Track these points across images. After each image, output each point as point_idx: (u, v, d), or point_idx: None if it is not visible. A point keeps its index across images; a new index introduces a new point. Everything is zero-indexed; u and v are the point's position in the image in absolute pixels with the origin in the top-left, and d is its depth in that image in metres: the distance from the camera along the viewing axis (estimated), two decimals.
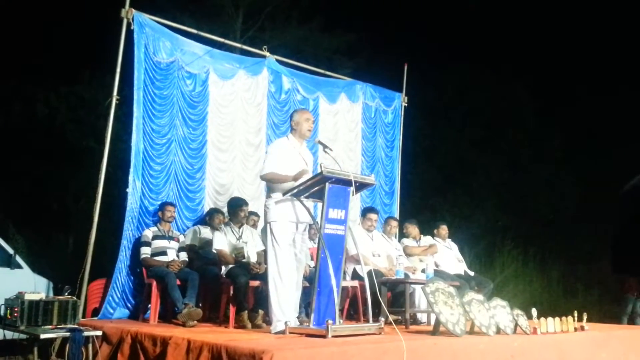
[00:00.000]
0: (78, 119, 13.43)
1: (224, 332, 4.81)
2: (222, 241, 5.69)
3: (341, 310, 5.79)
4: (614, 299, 10.62)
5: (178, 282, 5.45)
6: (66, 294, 5.32)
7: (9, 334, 5.13)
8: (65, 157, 13.07)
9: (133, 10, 5.99)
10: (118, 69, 5.88)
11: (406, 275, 6.13)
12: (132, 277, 5.95)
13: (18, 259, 6.57)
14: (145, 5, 6.30)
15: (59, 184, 13.27)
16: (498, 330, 4.77)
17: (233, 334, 4.60)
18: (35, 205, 13.21)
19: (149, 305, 5.59)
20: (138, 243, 5.88)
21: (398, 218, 7.90)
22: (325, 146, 4.74)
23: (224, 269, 5.56)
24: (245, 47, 8.10)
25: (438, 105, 17.29)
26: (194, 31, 6.87)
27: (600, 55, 17.67)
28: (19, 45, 13.53)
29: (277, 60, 7.47)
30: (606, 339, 5.45)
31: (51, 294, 6.35)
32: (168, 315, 5.64)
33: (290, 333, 4.25)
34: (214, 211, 6.37)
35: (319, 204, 4.52)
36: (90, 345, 4.72)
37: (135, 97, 6.08)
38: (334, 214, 4.43)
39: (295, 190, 4.43)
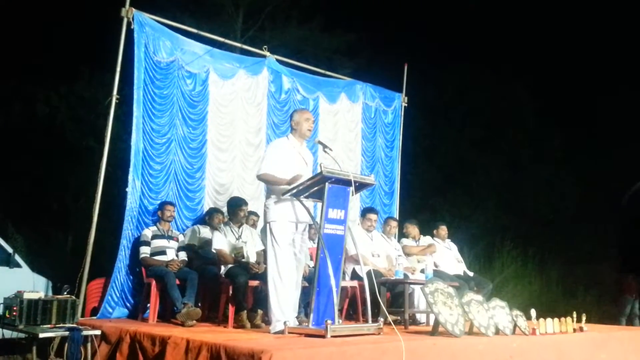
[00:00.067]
0: (78, 118, 13.43)
1: (223, 332, 4.81)
2: (221, 241, 5.69)
3: (340, 311, 5.78)
4: (612, 300, 10.62)
5: (177, 281, 5.45)
6: (65, 293, 5.32)
7: (8, 333, 5.12)
8: (64, 156, 13.06)
9: (133, 9, 5.99)
10: (118, 68, 5.88)
11: (405, 275, 6.13)
12: (131, 277, 5.95)
13: (17, 258, 6.56)
14: (145, 4, 6.30)
15: (59, 183, 13.27)
16: (497, 331, 4.77)
17: (232, 334, 4.60)
18: (34, 204, 13.20)
19: (148, 305, 5.59)
20: (137, 242, 5.88)
21: (397, 218, 7.90)
22: (325, 146, 4.74)
23: (223, 269, 5.56)
24: (245, 46, 8.10)
25: (438, 105, 17.29)
26: (194, 31, 6.87)
27: (600, 56, 17.67)
28: (19, 45, 13.53)
29: (277, 60, 7.47)
30: (605, 340, 5.45)
31: (50, 293, 6.35)
32: (167, 314, 5.64)
33: (289, 333, 4.25)
34: (214, 211, 6.37)
35: (319, 204, 4.52)
36: (89, 345, 4.72)
37: (135, 96, 6.08)
38: (334, 214, 4.43)
39: (294, 190, 4.43)
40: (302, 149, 4.89)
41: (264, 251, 5.71)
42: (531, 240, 13.54)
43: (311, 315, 4.28)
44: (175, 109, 6.47)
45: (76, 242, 11.81)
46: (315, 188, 4.42)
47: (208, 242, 5.99)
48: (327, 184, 4.33)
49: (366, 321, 4.65)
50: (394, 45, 15.80)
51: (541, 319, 5.10)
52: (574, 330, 5.32)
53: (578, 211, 16.62)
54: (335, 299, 4.23)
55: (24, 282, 6.21)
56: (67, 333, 4.61)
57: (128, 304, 5.90)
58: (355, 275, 6.23)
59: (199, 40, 6.80)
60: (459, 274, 6.96)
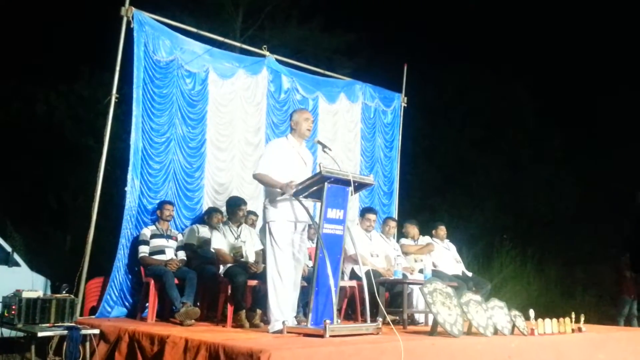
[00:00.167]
0: (77, 118, 13.41)
1: (222, 331, 4.81)
2: (220, 240, 5.69)
3: (339, 310, 5.79)
4: (611, 301, 10.64)
5: (176, 281, 5.45)
6: (64, 292, 5.33)
7: (7, 332, 5.12)
8: (63, 155, 13.04)
9: (133, 8, 5.98)
10: (117, 68, 5.87)
11: (404, 275, 6.13)
12: (130, 276, 5.95)
13: (16, 256, 6.56)
14: (145, 3, 6.29)
15: (58, 182, 13.25)
16: (495, 331, 4.78)
17: (231, 333, 4.61)
18: (33, 203, 13.19)
19: (147, 304, 5.58)
20: (136, 242, 5.88)
21: (397, 218, 7.90)
22: (324, 146, 4.74)
23: (222, 268, 5.56)
24: (244, 46, 8.09)
25: (438, 105, 17.29)
26: (194, 30, 6.86)
27: (600, 55, 17.69)
28: (19, 45, 13.52)
29: (277, 60, 7.47)
30: (603, 341, 5.46)
31: (49, 292, 6.35)
32: (166, 314, 5.64)
33: (288, 332, 4.25)
34: (213, 210, 6.37)
35: (318, 204, 4.52)
36: (87, 344, 4.73)
37: (134, 95, 6.07)
38: (333, 213, 4.43)
39: (295, 189, 4.42)
40: (302, 149, 4.88)
41: (263, 251, 5.71)
42: (530, 241, 13.56)
43: (310, 315, 4.28)
44: (175, 108, 6.47)
45: (75, 241, 11.80)
46: (315, 188, 4.42)
47: (207, 242, 5.99)
48: (326, 183, 4.33)
49: (365, 321, 4.65)
50: (394, 45, 15.82)
51: (540, 319, 5.11)
52: (573, 330, 5.32)
53: (578, 211, 16.64)
54: (334, 299, 4.23)
55: (23, 281, 6.22)
56: (65, 332, 4.61)
57: (127, 303, 5.90)
58: (354, 275, 6.23)
59: (199, 40, 6.79)
60: (457, 274, 6.96)
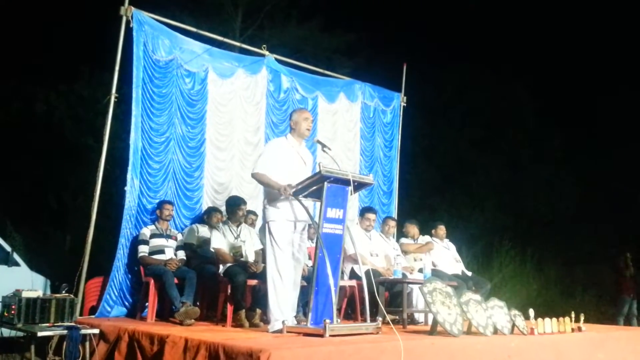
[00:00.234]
0: (77, 117, 13.42)
1: (222, 331, 4.81)
2: (220, 240, 5.69)
3: (339, 310, 5.79)
4: (611, 300, 10.65)
5: (176, 280, 5.44)
6: (64, 292, 5.33)
7: (7, 332, 5.12)
8: (63, 155, 13.05)
9: (132, 8, 5.98)
10: (117, 67, 5.86)
11: (404, 275, 6.13)
12: (129, 276, 5.95)
13: (16, 256, 6.55)
14: (144, 3, 6.29)
15: (57, 182, 13.25)
16: (495, 331, 4.77)
17: (230, 333, 4.61)
18: (33, 203, 13.19)
19: (147, 304, 5.58)
20: (136, 241, 5.87)
21: (396, 218, 7.89)
22: (323, 145, 4.74)
23: (221, 268, 5.55)
24: (244, 45, 8.09)
25: (437, 105, 17.31)
26: (193, 29, 6.86)
27: (600, 55, 17.69)
28: (19, 45, 13.53)
29: (276, 59, 7.46)
30: (603, 340, 5.45)
31: (49, 292, 6.35)
32: (165, 313, 5.64)
33: (287, 332, 4.25)
34: (212, 210, 6.36)
35: (317, 203, 4.52)
36: (87, 344, 4.73)
37: (134, 95, 6.07)
38: (332, 213, 4.43)
39: (293, 189, 4.42)
40: (301, 148, 4.88)
41: (263, 250, 5.71)
42: (530, 240, 13.56)
43: (310, 315, 4.28)
44: (174, 107, 6.47)
45: (75, 241, 11.80)
46: (314, 187, 4.42)
47: (206, 241, 5.99)
48: (325, 183, 4.33)
49: (364, 320, 4.64)
50: (393, 45, 15.82)
51: (539, 319, 5.11)
52: (572, 330, 5.32)
53: (578, 211, 16.65)
54: (334, 299, 4.23)
55: (23, 280, 6.21)
56: (65, 332, 4.61)
57: (126, 303, 5.89)
58: (353, 275, 6.22)
59: (198, 39, 6.79)
60: (457, 274, 6.96)
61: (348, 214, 4.63)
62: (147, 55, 6.20)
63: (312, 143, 5.76)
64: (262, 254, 5.75)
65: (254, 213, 6.67)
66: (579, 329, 5.39)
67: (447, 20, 17.88)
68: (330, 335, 3.96)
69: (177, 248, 5.94)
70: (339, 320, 4.54)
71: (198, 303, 5.59)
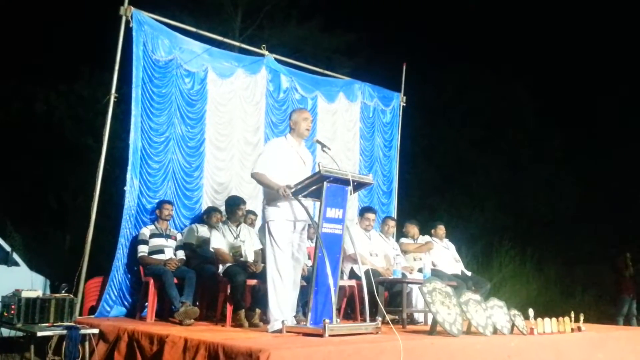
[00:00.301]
0: (77, 117, 13.42)
1: (221, 331, 4.81)
2: (219, 240, 5.69)
3: (338, 310, 5.80)
4: (610, 300, 10.65)
5: (175, 280, 5.44)
6: (63, 291, 5.33)
7: (6, 332, 5.12)
8: (63, 155, 13.05)
9: (132, 8, 5.97)
10: (116, 67, 5.86)
11: (403, 274, 6.12)
12: (129, 275, 5.95)
13: (15, 256, 6.55)
14: (144, 3, 6.29)
15: (57, 182, 13.26)
16: (495, 331, 4.77)
17: (230, 333, 4.61)
18: (32, 202, 13.19)
19: (146, 304, 5.58)
20: (135, 241, 5.87)
21: (396, 218, 7.89)
22: (323, 145, 4.74)
23: (221, 268, 5.55)
24: (244, 45, 8.09)
25: (437, 105, 17.31)
26: (193, 29, 6.85)
27: (600, 55, 17.69)
28: (19, 45, 13.53)
29: (276, 59, 7.46)
30: (603, 340, 5.45)
31: (48, 292, 6.34)
32: (165, 313, 5.64)
33: (287, 332, 4.25)
34: (212, 210, 6.36)
35: (317, 203, 4.51)
36: (87, 343, 4.73)
37: (133, 95, 6.07)
38: (332, 213, 4.43)
39: (293, 189, 4.42)
40: (301, 148, 4.88)
41: (262, 250, 5.71)
42: (530, 240, 13.56)
43: (309, 315, 4.28)
44: (174, 107, 6.46)
45: (74, 241, 11.80)
46: (314, 187, 4.42)
47: (206, 241, 5.99)
48: (325, 183, 4.33)
49: (364, 320, 4.64)
50: (393, 45, 15.82)
51: (539, 319, 5.11)
52: (572, 330, 5.32)
53: (578, 211, 16.65)
54: (334, 298, 4.23)
55: (22, 280, 6.21)
56: (65, 332, 4.61)
57: (126, 303, 5.89)
58: (353, 275, 6.22)
59: (198, 39, 6.79)
60: (456, 274, 6.96)
61: (347, 214, 4.64)
62: (146, 55, 6.20)
63: (311, 143, 5.76)
64: (261, 254, 5.75)
65: (254, 213, 6.66)
66: (579, 328, 5.39)
67: (447, 20, 17.90)
68: (330, 335, 3.96)
69: (177, 248, 5.94)
70: (338, 320, 4.54)
71: (197, 303, 5.59)
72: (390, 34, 16.99)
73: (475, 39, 17.55)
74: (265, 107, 7.33)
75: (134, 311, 5.71)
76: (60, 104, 13.49)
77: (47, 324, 4.76)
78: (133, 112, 6.04)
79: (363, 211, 6.81)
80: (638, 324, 9.46)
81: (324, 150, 4.70)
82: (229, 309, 5.27)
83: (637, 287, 9.68)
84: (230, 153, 6.99)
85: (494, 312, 4.88)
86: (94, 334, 4.76)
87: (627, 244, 11.51)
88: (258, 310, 5.31)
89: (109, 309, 5.73)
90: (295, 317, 4.76)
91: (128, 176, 5.98)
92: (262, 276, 5.03)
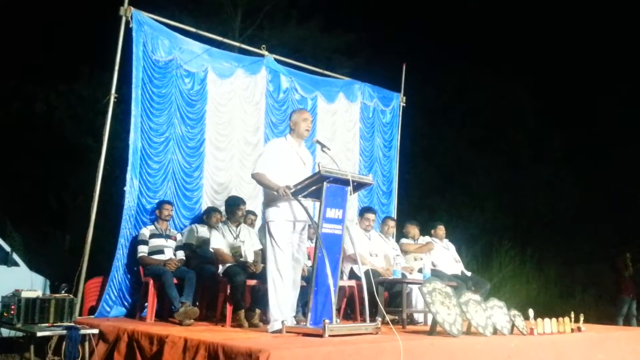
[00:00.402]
0: (77, 117, 13.42)
1: (221, 331, 4.81)
2: (219, 240, 5.69)
3: (338, 310, 5.79)
4: (610, 300, 10.64)
5: (175, 280, 5.44)
6: (63, 292, 5.34)
7: (6, 332, 5.12)
8: (63, 155, 13.05)
9: (132, 8, 5.97)
10: (116, 67, 5.86)
11: (403, 275, 6.12)
12: (129, 276, 5.95)
13: (15, 256, 6.55)
14: (144, 3, 6.29)
15: (57, 182, 13.26)
16: (495, 331, 4.77)
17: (230, 333, 4.61)
18: (32, 202, 13.20)
19: (146, 304, 5.58)
20: (135, 241, 5.87)
21: (395, 218, 7.89)
22: (323, 145, 4.74)
23: (221, 268, 5.56)
24: (243, 46, 8.09)
25: (437, 105, 17.31)
26: (193, 30, 6.85)
27: (600, 55, 17.69)
28: (19, 45, 13.53)
29: (276, 60, 7.46)
30: (603, 340, 5.45)
31: (48, 292, 6.34)
32: (165, 313, 5.64)
33: (287, 332, 4.25)
34: (212, 210, 6.36)
35: (317, 204, 4.51)
36: (86, 344, 4.73)
37: (133, 95, 6.07)
38: (332, 213, 4.43)
39: (293, 190, 4.43)
40: (301, 149, 4.88)
41: (262, 250, 5.71)
42: (530, 241, 13.56)
43: (309, 315, 4.28)
44: (174, 108, 6.46)
45: (74, 241, 11.80)
46: (314, 187, 4.42)
47: (206, 241, 5.99)
48: (325, 183, 4.33)
49: (364, 321, 4.64)
50: (393, 45, 15.83)
51: (539, 319, 5.11)
52: (572, 330, 5.32)
53: (578, 211, 16.65)
54: (333, 299, 4.23)
55: (22, 280, 6.20)
56: (64, 332, 4.62)
57: (126, 303, 5.89)
58: (353, 275, 6.22)
59: (198, 39, 6.79)
60: (456, 274, 6.95)
61: (347, 214, 4.64)
62: (146, 55, 6.20)
63: (311, 143, 5.76)
64: (261, 254, 5.75)
65: (254, 213, 6.67)
66: (579, 329, 5.39)
67: (447, 20, 17.90)
68: (330, 336, 3.96)
69: (177, 248, 5.94)
70: (338, 321, 4.54)
71: (197, 303, 5.58)
72: (390, 34, 17.02)
73: (475, 39, 17.56)
74: (265, 108, 7.33)
75: (134, 311, 5.71)
76: (60, 104, 13.49)
77: (47, 324, 4.77)
78: (133, 112, 6.04)
79: (363, 211, 6.80)
80: (638, 325, 9.46)
81: (323, 151, 4.70)
82: (229, 309, 5.27)
83: (637, 288, 9.68)
84: (230, 153, 6.99)
85: (494, 313, 4.88)
86: (93, 334, 4.76)
87: (627, 244, 11.50)
88: (258, 311, 5.31)
89: (108, 309, 5.73)
90: (295, 317, 4.76)
91: (128, 176, 5.98)
92: (262, 276, 5.03)
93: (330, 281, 4.23)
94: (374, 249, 6.53)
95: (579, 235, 15.63)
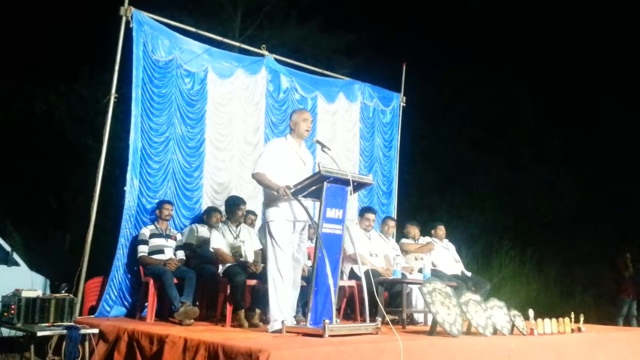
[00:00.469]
0: (77, 117, 13.43)
1: (221, 331, 4.81)
2: (219, 240, 5.69)
3: (338, 310, 5.79)
4: (610, 301, 10.64)
5: (175, 280, 5.44)
6: (63, 291, 5.33)
7: (6, 332, 5.12)
8: (63, 155, 13.06)
9: (132, 8, 5.98)
10: (116, 67, 5.86)
11: (403, 275, 6.12)
12: (129, 275, 5.95)
13: (15, 256, 6.55)
14: (144, 3, 6.29)
15: (57, 182, 13.26)
16: (495, 331, 4.77)
17: (230, 333, 4.61)
18: (32, 202, 13.20)
19: (146, 304, 5.58)
20: (135, 241, 5.87)
21: (395, 218, 7.89)
22: (323, 145, 4.74)
23: (221, 268, 5.56)
24: (243, 45, 8.09)
25: (437, 105, 17.31)
26: (193, 30, 6.86)
27: (600, 55, 17.69)
28: (19, 45, 13.53)
29: (276, 60, 7.46)
30: (603, 341, 5.45)
31: (48, 292, 6.34)
32: (165, 313, 5.64)
33: (287, 332, 4.25)
34: (212, 210, 6.37)
35: (317, 204, 4.52)
36: (87, 343, 4.73)
37: (133, 95, 6.07)
38: (332, 213, 4.43)
39: (293, 190, 4.43)
40: (301, 149, 4.88)
41: (262, 250, 5.71)
42: (530, 241, 13.56)
43: (309, 315, 4.28)
44: (174, 107, 6.46)
45: (74, 241, 11.80)
46: (314, 187, 4.42)
47: (206, 241, 5.99)
48: (325, 183, 4.33)
49: (364, 321, 4.64)
50: (393, 45, 15.83)
51: (539, 319, 5.11)
52: (572, 330, 5.32)
53: (578, 211, 16.65)
54: (333, 299, 4.23)
55: (22, 280, 6.21)
56: (65, 331, 4.61)
57: (126, 303, 5.89)
58: (353, 275, 6.22)
59: (198, 39, 6.79)
60: (456, 274, 6.95)
61: (347, 214, 4.63)
62: (146, 55, 6.20)
63: (311, 143, 5.76)
64: (261, 254, 5.75)
65: (254, 213, 6.67)
66: (579, 329, 5.39)
67: (447, 20, 17.90)
68: (330, 336, 3.96)
69: (177, 248, 5.94)
70: (338, 321, 4.54)
71: (197, 303, 5.59)
72: (390, 34, 17.02)
73: (475, 39, 17.56)
74: (265, 108, 7.33)
75: (134, 311, 5.71)
76: (60, 104, 13.49)
77: (47, 324, 4.76)
78: (133, 112, 6.05)
79: (363, 211, 6.81)
80: (638, 325, 9.46)
81: (323, 151, 4.70)
82: (229, 309, 5.27)
83: (637, 288, 9.67)
84: (230, 153, 6.99)
85: (494, 313, 4.88)
86: (93, 334, 4.76)
87: (627, 244, 11.50)
88: (258, 311, 5.31)
89: (109, 309, 5.73)
90: (295, 317, 4.76)
91: (128, 176, 5.98)
92: (262, 276, 5.03)
93: (330, 281, 4.23)
94: (374, 249, 6.53)
95: (579, 235, 15.63)
